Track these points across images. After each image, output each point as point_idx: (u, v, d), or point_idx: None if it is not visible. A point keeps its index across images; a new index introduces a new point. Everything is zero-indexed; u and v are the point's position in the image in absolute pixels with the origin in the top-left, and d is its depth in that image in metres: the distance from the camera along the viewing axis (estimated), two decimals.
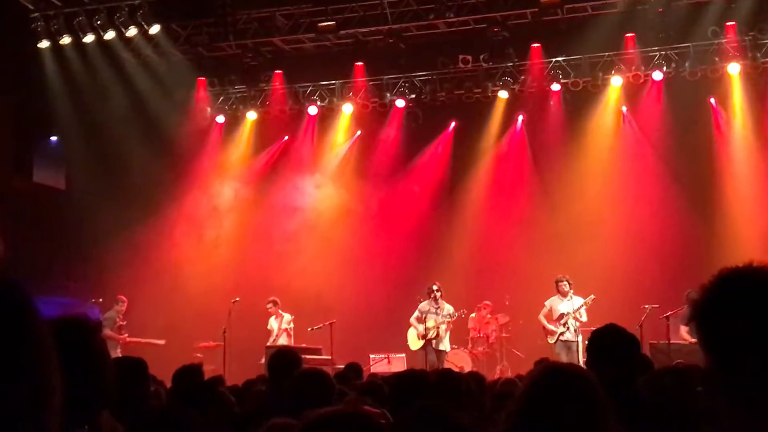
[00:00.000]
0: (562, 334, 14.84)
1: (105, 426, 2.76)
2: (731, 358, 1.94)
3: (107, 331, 15.75)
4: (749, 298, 1.95)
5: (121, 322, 16.01)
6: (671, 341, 13.28)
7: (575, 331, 14.72)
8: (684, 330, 13.68)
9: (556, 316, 14.96)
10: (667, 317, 13.48)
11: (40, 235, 18.53)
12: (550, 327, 14.97)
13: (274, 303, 16.38)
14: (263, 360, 15.77)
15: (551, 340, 14.97)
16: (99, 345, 2.76)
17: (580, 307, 14.79)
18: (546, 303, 15.18)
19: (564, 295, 14.93)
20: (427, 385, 5.10)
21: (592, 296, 14.79)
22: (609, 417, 2.59)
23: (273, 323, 16.31)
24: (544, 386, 2.61)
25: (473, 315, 16.43)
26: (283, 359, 6.14)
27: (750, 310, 1.93)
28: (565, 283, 14.93)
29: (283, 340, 15.78)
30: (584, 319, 14.73)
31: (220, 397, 4.86)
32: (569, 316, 14.75)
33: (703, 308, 2.02)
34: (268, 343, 15.82)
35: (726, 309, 1.97)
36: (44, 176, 19.31)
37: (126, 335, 16.02)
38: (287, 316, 16.24)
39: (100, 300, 16.92)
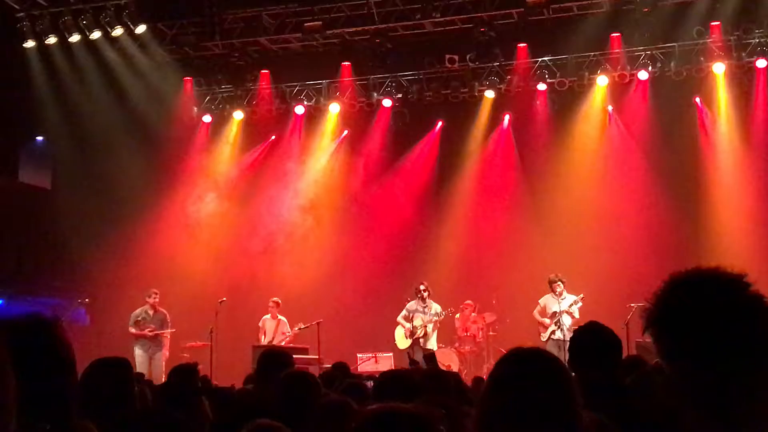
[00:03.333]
0: (553, 332, 14.85)
1: (73, 426, 2.72)
2: (686, 364, 1.96)
3: (129, 329, 15.65)
4: (696, 304, 1.97)
5: (138, 318, 15.55)
6: None
7: (567, 329, 14.63)
8: None
9: (549, 313, 14.98)
10: None
11: (25, 234, 18.50)
12: (543, 320, 15.01)
13: (276, 304, 16.22)
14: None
15: (543, 338, 14.99)
16: (55, 342, 2.70)
17: (570, 305, 14.80)
18: (540, 301, 15.18)
19: (557, 294, 14.94)
20: (412, 384, 5.11)
21: (581, 295, 14.81)
22: (576, 397, 2.62)
23: (268, 323, 16.17)
24: (508, 369, 2.63)
25: (458, 315, 16.45)
26: (274, 360, 6.14)
27: (697, 315, 1.96)
28: (559, 283, 14.94)
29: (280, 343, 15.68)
30: (577, 316, 14.75)
31: (205, 398, 4.87)
32: (561, 314, 14.77)
33: (654, 316, 2.05)
34: (264, 343, 15.75)
35: (675, 316, 1.99)
36: (30, 176, 19.26)
37: (148, 330, 15.48)
38: (285, 321, 16.13)
39: (86, 300, 16.87)
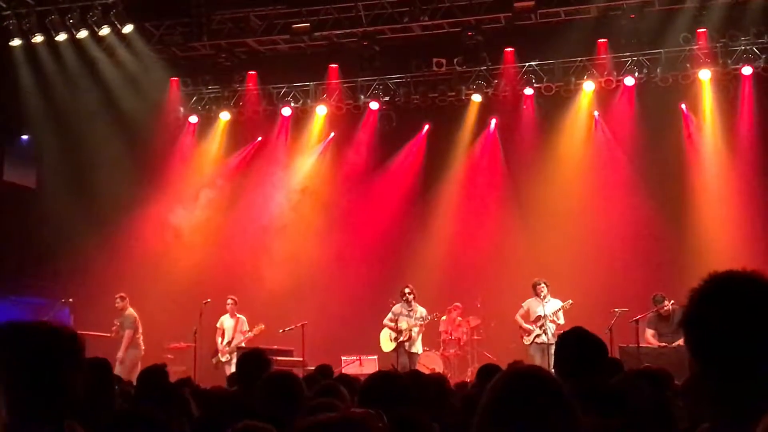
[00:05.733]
0: (537, 336, 14.81)
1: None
2: (720, 367, 1.95)
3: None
4: (742, 308, 1.96)
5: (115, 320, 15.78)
6: (640, 345, 13.39)
7: (552, 334, 14.62)
8: (649, 334, 13.81)
9: (532, 317, 14.93)
10: (636, 321, 13.59)
11: (10, 233, 18.39)
12: (527, 326, 14.98)
13: (234, 302, 16.13)
14: (215, 360, 15.71)
15: (527, 341, 14.96)
16: (80, 358, 2.76)
17: (558, 310, 14.81)
18: (523, 304, 15.15)
19: (541, 298, 14.94)
20: (399, 388, 5.08)
21: (570, 301, 14.80)
22: (576, 416, 2.57)
23: (227, 322, 16.02)
24: (505, 395, 2.56)
25: (444, 318, 16.46)
26: (254, 362, 6.13)
27: (743, 321, 1.95)
28: (543, 286, 14.94)
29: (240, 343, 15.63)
30: (562, 322, 14.73)
31: (185, 399, 4.85)
32: (546, 318, 14.75)
33: (694, 315, 2.04)
34: (224, 344, 15.78)
35: (718, 318, 1.98)
36: (15, 175, 19.14)
37: (112, 330, 15.65)
38: (244, 319, 16.04)
39: (71, 300, 16.78)
